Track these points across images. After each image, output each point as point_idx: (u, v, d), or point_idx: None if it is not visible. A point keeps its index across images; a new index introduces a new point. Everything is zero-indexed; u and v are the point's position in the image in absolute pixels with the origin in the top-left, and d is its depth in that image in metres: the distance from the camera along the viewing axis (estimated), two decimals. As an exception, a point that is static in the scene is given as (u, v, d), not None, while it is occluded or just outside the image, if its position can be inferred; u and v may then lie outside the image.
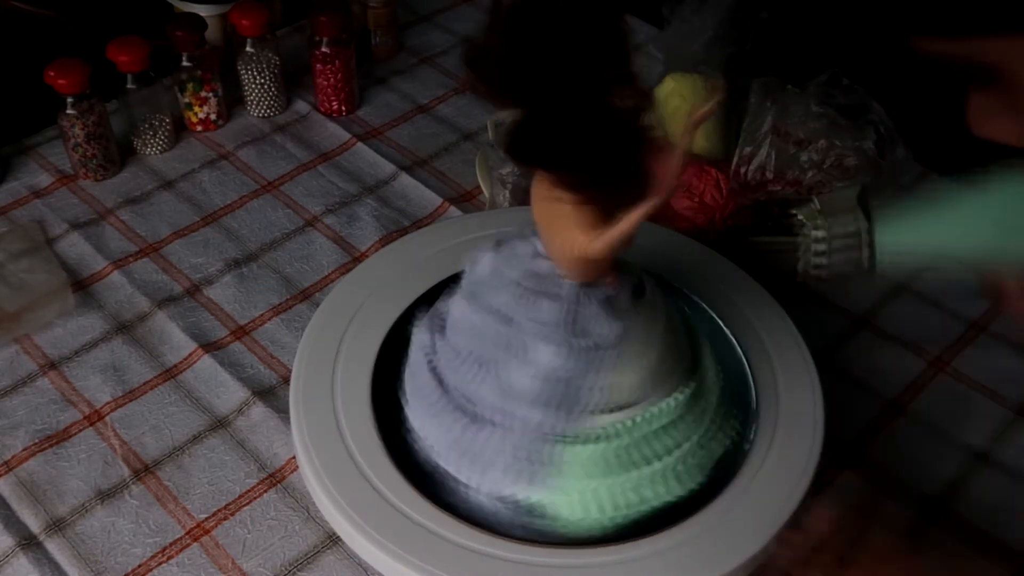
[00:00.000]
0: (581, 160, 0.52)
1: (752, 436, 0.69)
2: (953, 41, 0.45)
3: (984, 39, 0.43)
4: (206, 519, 0.74)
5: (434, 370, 0.68)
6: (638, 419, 0.64)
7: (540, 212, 0.58)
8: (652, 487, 0.65)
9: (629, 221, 0.55)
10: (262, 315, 0.89)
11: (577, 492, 0.64)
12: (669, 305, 0.67)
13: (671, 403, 0.65)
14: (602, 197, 0.55)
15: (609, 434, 0.64)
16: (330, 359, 0.74)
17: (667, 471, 0.65)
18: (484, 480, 0.64)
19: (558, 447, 0.63)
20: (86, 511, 0.74)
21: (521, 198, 0.91)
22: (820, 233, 0.56)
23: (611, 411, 0.64)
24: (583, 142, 0.52)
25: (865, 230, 0.54)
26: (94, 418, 0.80)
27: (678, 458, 0.65)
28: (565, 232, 0.57)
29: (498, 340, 0.63)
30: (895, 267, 0.54)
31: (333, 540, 0.72)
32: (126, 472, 0.77)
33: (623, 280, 0.63)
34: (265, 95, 1.08)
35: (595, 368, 0.62)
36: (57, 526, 0.73)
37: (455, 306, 0.66)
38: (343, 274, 0.90)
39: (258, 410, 0.80)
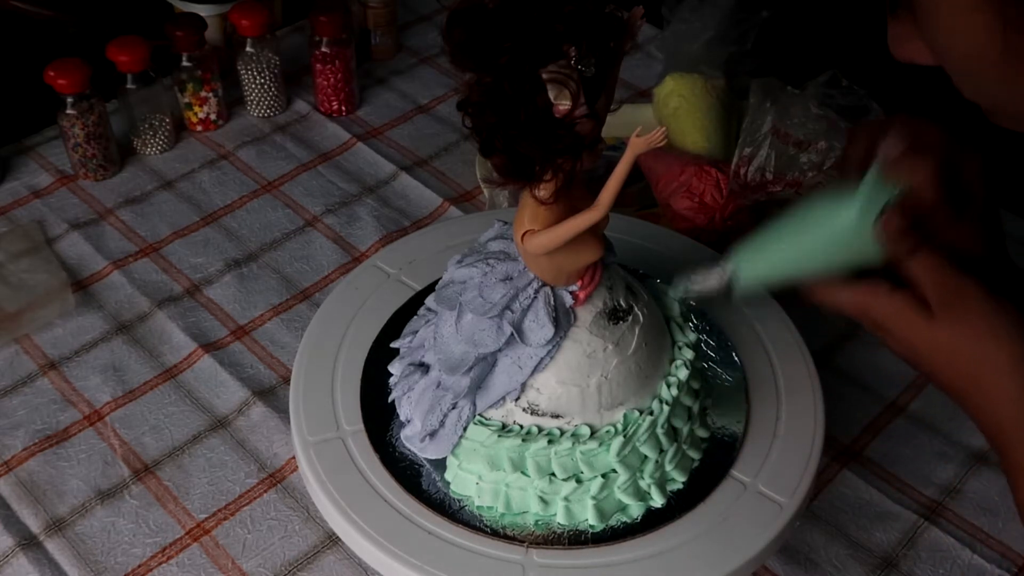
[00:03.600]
0: (505, 142, 0.53)
1: (740, 441, 0.69)
2: None
3: None
4: (206, 519, 0.74)
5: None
6: (556, 432, 0.63)
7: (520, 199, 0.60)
8: (566, 505, 0.64)
9: (564, 228, 0.57)
10: (262, 315, 0.89)
11: (480, 479, 0.65)
12: (656, 341, 0.66)
13: (605, 432, 0.64)
14: (525, 188, 0.57)
15: (522, 434, 0.63)
16: (330, 359, 0.74)
17: (584, 495, 0.64)
18: (410, 424, 0.67)
19: (463, 418, 0.64)
20: (86, 511, 0.74)
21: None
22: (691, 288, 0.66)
23: (531, 412, 0.64)
24: (512, 125, 0.52)
25: (730, 274, 0.65)
26: (94, 418, 0.80)
27: (600, 487, 0.64)
28: (519, 222, 0.59)
29: (451, 297, 0.65)
30: (749, 290, 0.67)
31: (333, 540, 0.72)
32: (126, 472, 0.77)
33: (597, 300, 0.63)
34: (265, 95, 1.08)
35: (517, 361, 0.63)
36: (57, 526, 0.73)
37: (449, 263, 0.68)
38: (343, 274, 0.90)
39: (258, 410, 0.80)
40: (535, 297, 0.62)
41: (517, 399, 0.63)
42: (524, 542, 0.63)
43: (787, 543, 0.71)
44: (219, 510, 0.74)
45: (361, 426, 0.69)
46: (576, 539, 0.64)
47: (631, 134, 0.54)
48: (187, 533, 0.73)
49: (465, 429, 0.64)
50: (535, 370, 0.62)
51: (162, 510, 0.74)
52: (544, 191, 0.56)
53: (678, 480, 0.66)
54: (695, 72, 1.02)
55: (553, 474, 0.64)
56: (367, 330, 0.75)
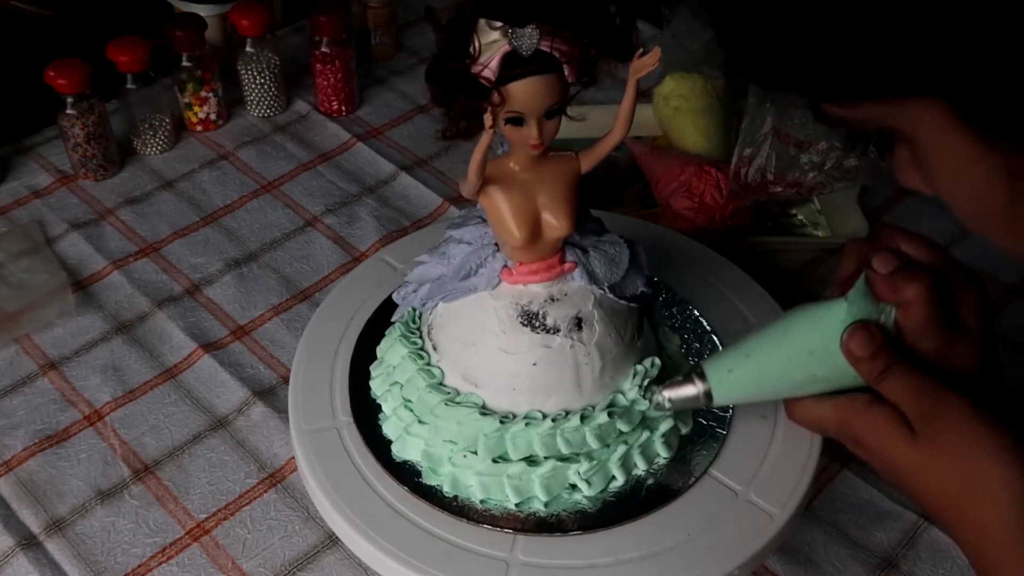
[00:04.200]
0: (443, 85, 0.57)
1: (738, 441, 0.69)
2: (849, 107, 0.48)
3: (875, 104, 0.46)
4: (206, 519, 0.74)
5: None
6: (480, 402, 0.65)
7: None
8: (507, 483, 0.65)
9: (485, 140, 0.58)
10: (262, 315, 0.89)
11: (427, 443, 0.66)
12: (607, 358, 0.65)
13: (536, 413, 0.64)
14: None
15: (460, 401, 0.65)
16: (330, 359, 0.74)
17: (528, 476, 0.65)
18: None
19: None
20: (86, 511, 0.74)
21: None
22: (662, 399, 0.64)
23: (465, 380, 0.65)
24: (439, 61, 0.57)
25: (704, 393, 0.62)
26: (94, 418, 0.80)
27: (543, 471, 0.64)
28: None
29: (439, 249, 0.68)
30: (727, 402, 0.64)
31: (333, 540, 0.72)
32: (126, 472, 0.77)
33: (526, 297, 0.64)
34: (265, 95, 1.08)
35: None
36: (57, 526, 0.73)
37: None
38: (343, 274, 0.90)
39: (258, 410, 0.80)
40: (484, 242, 0.65)
41: (455, 365, 0.66)
42: (512, 529, 0.63)
43: (786, 543, 0.71)
44: (219, 510, 0.74)
45: (360, 427, 0.69)
46: (560, 527, 0.64)
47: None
48: (187, 533, 0.73)
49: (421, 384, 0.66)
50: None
51: (162, 510, 0.74)
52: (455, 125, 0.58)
53: (619, 477, 0.66)
54: (695, 72, 1.02)
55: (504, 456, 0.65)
56: (367, 330, 0.75)
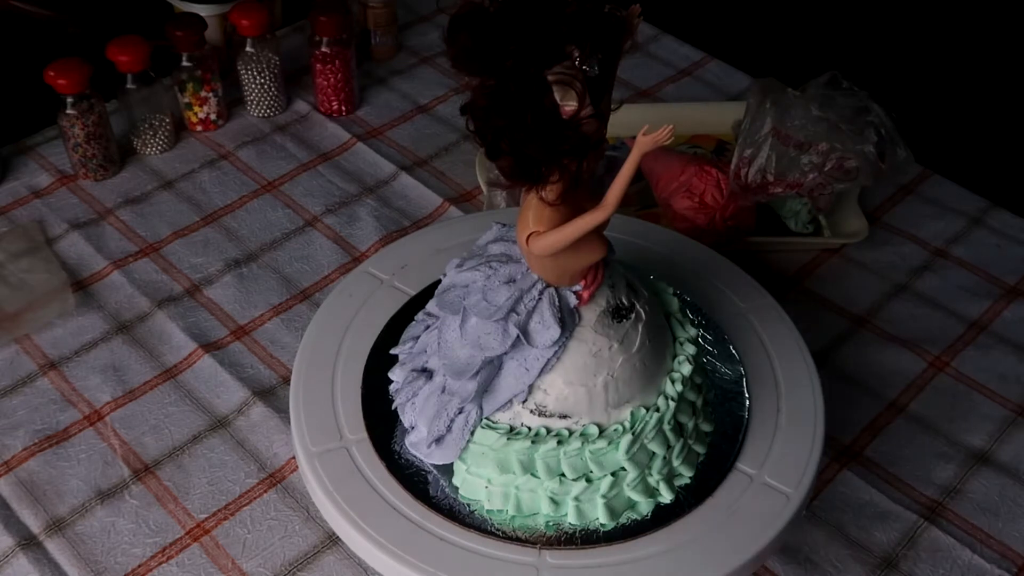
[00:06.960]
0: (512, 144, 0.53)
1: (743, 435, 0.69)
2: None
3: None
4: (206, 519, 0.74)
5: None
6: (565, 432, 0.63)
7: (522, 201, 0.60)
8: (576, 505, 0.64)
9: (571, 228, 0.56)
10: (262, 315, 0.89)
11: (490, 483, 0.65)
12: (658, 338, 0.66)
13: (613, 431, 0.64)
14: (534, 190, 0.56)
15: (531, 436, 0.63)
16: (330, 359, 0.74)
17: (594, 494, 0.64)
18: (415, 431, 0.67)
19: (470, 422, 0.63)
20: (86, 511, 0.74)
21: (518, 198, 0.91)
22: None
23: (539, 414, 0.64)
24: (518, 127, 0.52)
25: None
26: (94, 418, 0.80)
27: (610, 485, 0.64)
28: (523, 224, 0.58)
29: (454, 301, 0.64)
30: None
31: (333, 540, 0.72)
32: (126, 472, 0.77)
33: (600, 298, 0.63)
34: (265, 95, 1.08)
35: (524, 363, 0.62)
36: (57, 526, 0.73)
37: (449, 266, 0.68)
38: (343, 274, 0.90)
39: (258, 410, 0.80)
40: (539, 298, 0.62)
41: (524, 401, 0.63)
42: (537, 544, 0.63)
43: (787, 543, 0.71)
44: (219, 510, 0.74)
45: (365, 435, 0.69)
46: (588, 538, 0.64)
47: (630, 134, 0.54)
48: (187, 533, 0.73)
49: (472, 433, 0.64)
50: (542, 372, 0.62)
51: (162, 510, 0.74)
52: (551, 192, 0.56)
53: (685, 475, 0.66)
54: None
55: (563, 475, 0.64)
56: (364, 338, 0.75)
